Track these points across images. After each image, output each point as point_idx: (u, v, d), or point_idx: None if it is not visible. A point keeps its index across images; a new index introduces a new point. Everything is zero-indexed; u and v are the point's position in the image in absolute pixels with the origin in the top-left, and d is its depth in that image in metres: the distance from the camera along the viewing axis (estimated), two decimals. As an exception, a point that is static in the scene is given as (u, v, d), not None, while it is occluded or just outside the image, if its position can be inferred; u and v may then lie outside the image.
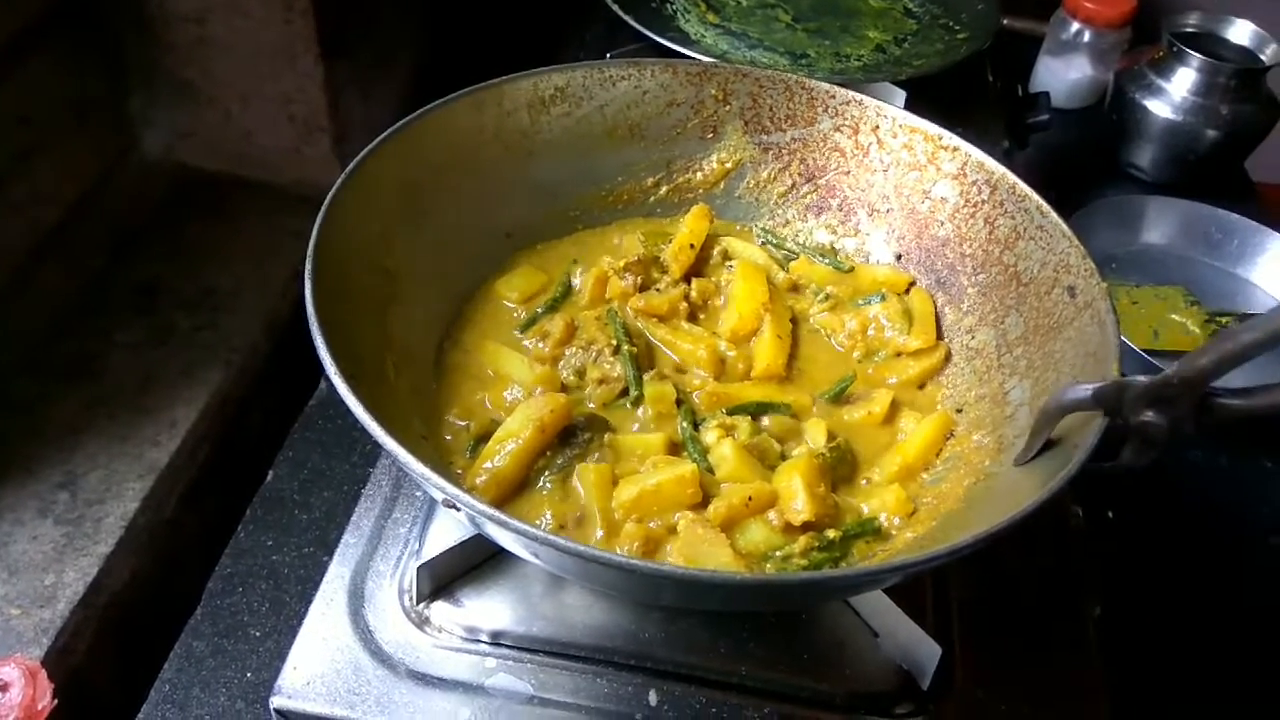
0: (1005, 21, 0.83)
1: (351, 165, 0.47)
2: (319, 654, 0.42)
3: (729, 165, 0.59)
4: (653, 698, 0.42)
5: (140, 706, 0.48)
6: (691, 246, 0.55)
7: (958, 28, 0.80)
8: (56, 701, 0.45)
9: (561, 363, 0.49)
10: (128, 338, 0.64)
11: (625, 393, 0.47)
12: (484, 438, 0.44)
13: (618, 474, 0.43)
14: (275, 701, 0.40)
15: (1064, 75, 0.94)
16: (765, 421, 0.48)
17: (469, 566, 0.45)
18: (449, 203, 0.52)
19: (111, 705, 0.51)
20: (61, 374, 0.61)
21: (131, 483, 0.56)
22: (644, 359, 0.49)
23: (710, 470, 0.44)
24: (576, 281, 0.54)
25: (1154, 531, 0.60)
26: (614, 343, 0.49)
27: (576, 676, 0.42)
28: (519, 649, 0.43)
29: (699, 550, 0.40)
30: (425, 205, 0.51)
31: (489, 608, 0.44)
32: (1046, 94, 0.82)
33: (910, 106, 0.71)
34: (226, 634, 0.52)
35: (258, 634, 0.52)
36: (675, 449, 0.45)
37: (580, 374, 0.48)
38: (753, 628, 0.44)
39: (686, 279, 0.55)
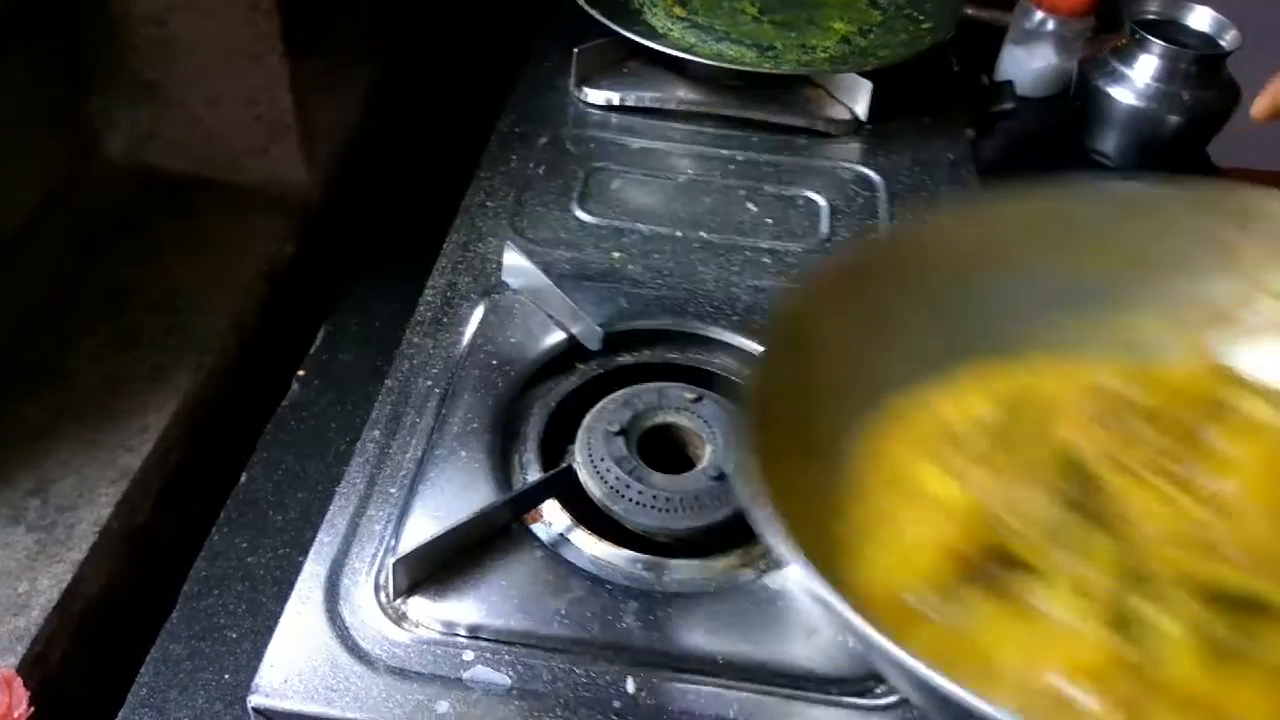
0: (969, 11, 0.84)
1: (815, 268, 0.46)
2: (296, 652, 0.42)
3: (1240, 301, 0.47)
4: (630, 685, 0.42)
5: (117, 711, 0.48)
6: (1182, 394, 0.45)
7: (922, 18, 0.80)
8: (33, 709, 0.44)
9: (991, 492, 0.42)
10: (95, 342, 0.63)
11: (1058, 538, 0.40)
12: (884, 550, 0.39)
13: (1025, 626, 0.38)
14: (253, 700, 0.40)
15: (1028, 64, 0.95)
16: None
17: (445, 561, 0.45)
18: (907, 304, 0.46)
19: (88, 712, 0.51)
20: (29, 379, 0.60)
21: (104, 488, 0.56)
22: (1091, 506, 0.41)
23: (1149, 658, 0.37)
24: (1030, 412, 0.45)
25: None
26: (1060, 482, 0.41)
27: (554, 667, 0.42)
28: (497, 641, 0.43)
29: None
30: (879, 305, 0.45)
31: (466, 602, 0.44)
32: (1010, 83, 0.83)
33: (876, 97, 0.72)
34: (203, 636, 0.51)
35: (234, 635, 0.51)
36: (1107, 617, 0.38)
37: (1010, 508, 0.41)
38: (725, 612, 0.45)
39: (1173, 433, 0.44)
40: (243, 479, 0.59)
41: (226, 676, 0.50)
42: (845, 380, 0.44)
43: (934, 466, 0.43)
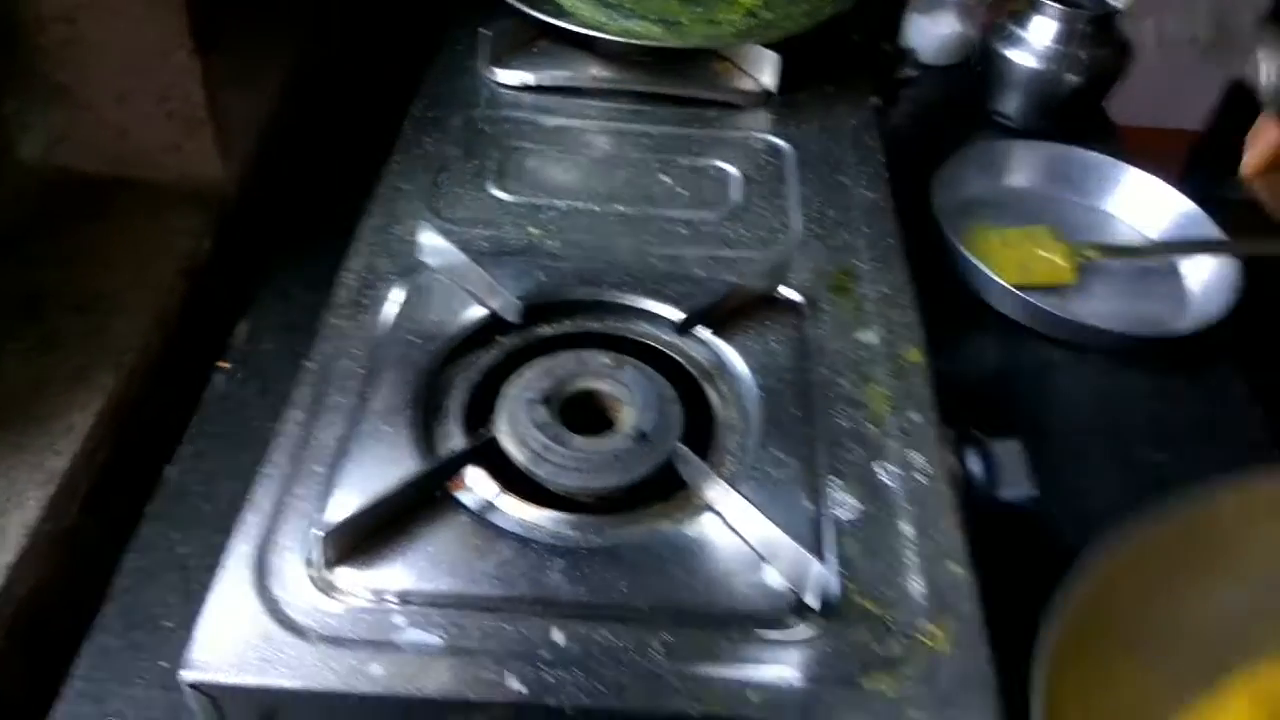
0: (871, -18, 0.87)
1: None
2: (227, 627, 0.43)
3: None
4: (558, 636, 0.44)
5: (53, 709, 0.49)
6: None
7: (825, -10, 0.83)
8: (-35, 707, 0.45)
9: None
10: (17, 345, 0.63)
11: None
12: None
13: None
14: (186, 675, 0.41)
15: (932, 32, 0.98)
16: None
17: (372, 532, 0.46)
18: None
19: (24, 711, 0.51)
20: (-52, 386, 0.60)
21: (32, 491, 0.56)
22: None
23: None
24: None
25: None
26: None
27: (484, 624, 0.44)
28: (427, 605, 0.44)
29: None
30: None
31: (395, 569, 0.45)
32: (912, 50, 0.86)
33: (783, 68, 0.74)
34: (138, 626, 0.52)
35: (170, 624, 0.52)
36: None
37: None
38: (647, 562, 0.46)
39: None
40: (171, 472, 0.60)
41: (164, 664, 0.50)
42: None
43: None
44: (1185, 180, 0.85)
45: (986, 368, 0.74)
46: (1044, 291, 0.77)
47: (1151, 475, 0.69)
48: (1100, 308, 0.78)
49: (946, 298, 0.78)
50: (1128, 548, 0.43)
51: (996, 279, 0.76)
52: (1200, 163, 1.12)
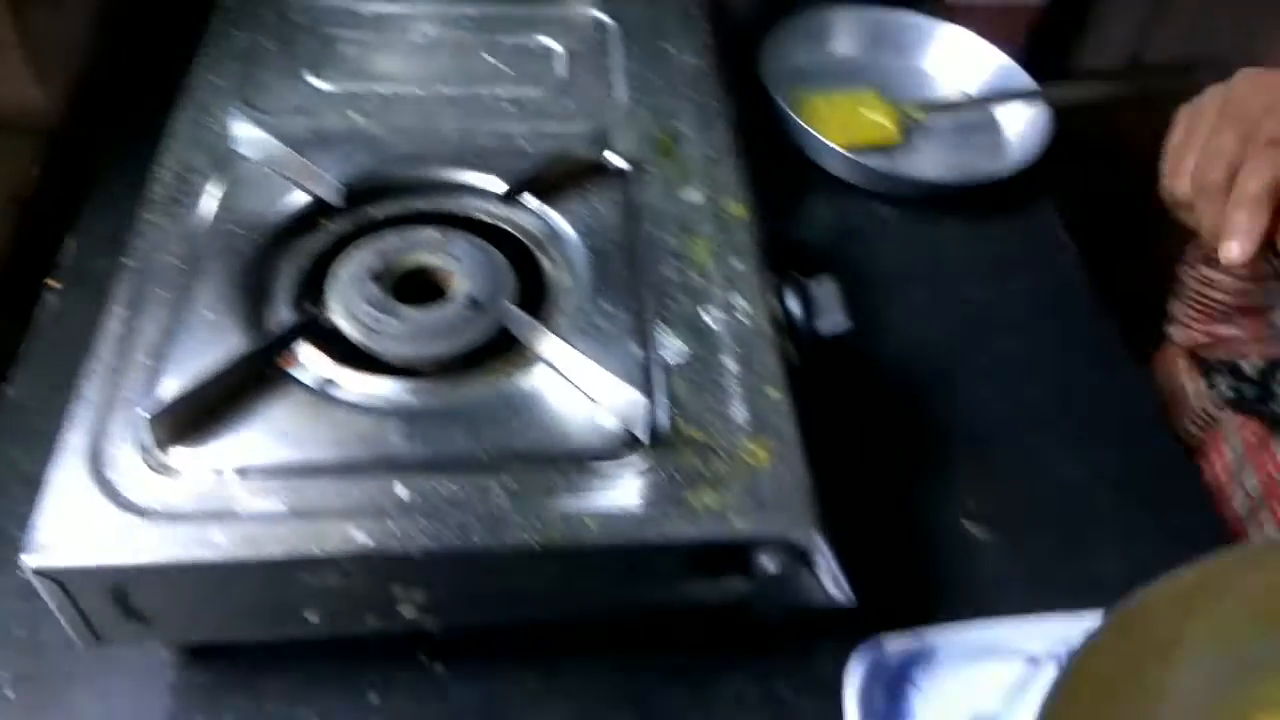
0: None
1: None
2: (66, 515, 0.43)
3: None
4: (401, 492, 0.46)
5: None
6: None
7: None
8: None
9: None
10: None
11: None
12: None
13: None
14: (29, 561, 0.42)
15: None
16: None
17: (206, 412, 0.46)
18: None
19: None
20: None
21: None
22: None
23: None
24: None
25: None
26: None
27: (326, 489, 0.45)
28: (267, 476, 0.45)
29: None
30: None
31: (233, 446, 0.46)
32: (734, -79, 0.87)
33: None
34: (-16, 540, 0.52)
35: (18, 533, 0.52)
36: None
37: None
38: (485, 416, 0.48)
39: None
40: (9, 391, 0.59)
41: (20, 576, 0.50)
42: None
43: None
44: (1028, 58, 0.89)
45: (818, 226, 0.78)
46: (871, 151, 0.81)
47: (971, 311, 0.74)
48: (925, 163, 0.83)
49: (779, 163, 0.81)
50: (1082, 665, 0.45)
51: (826, 142, 0.79)
52: (1041, 41, 1.17)
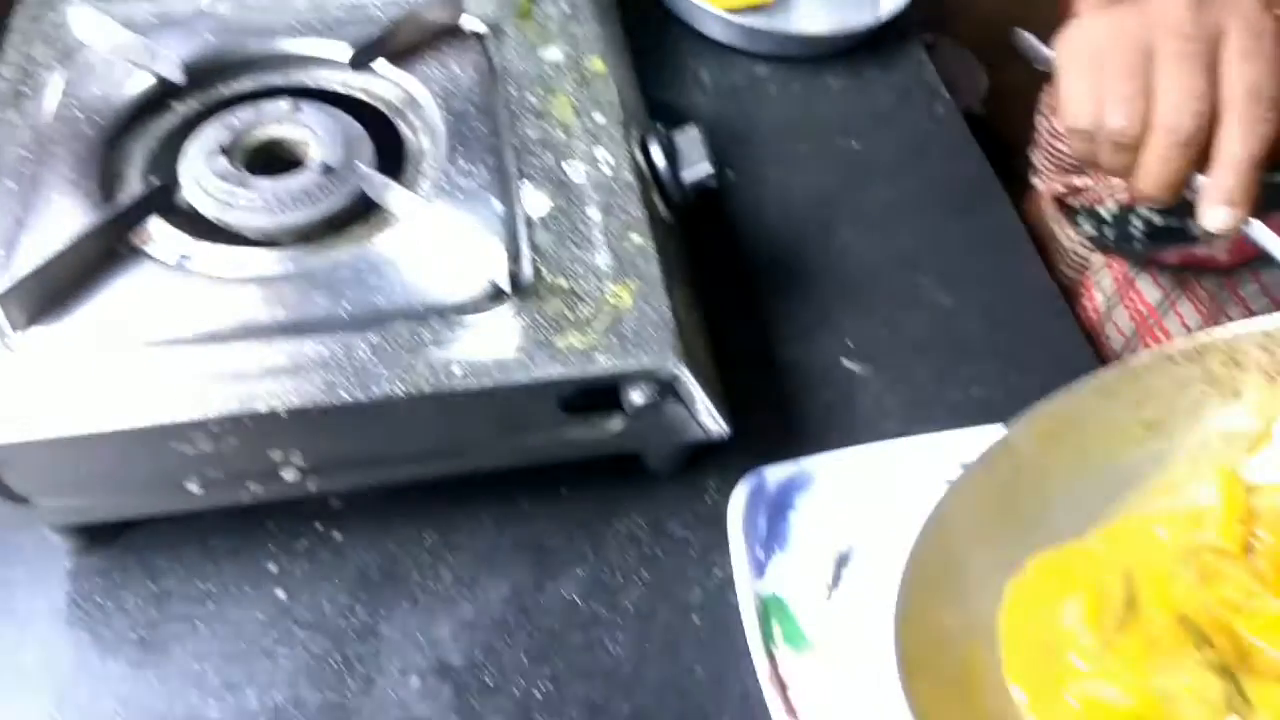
0: None
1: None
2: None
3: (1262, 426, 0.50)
4: (263, 355, 0.46)
5: None
6: (1242, 521, 0.48)
7: None
8: None
9: (1139, 683, 0.43)
10: None
11: (1232, 702, 0.42)
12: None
13: None
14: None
15: None
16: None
17: (61, 290, 0.46)
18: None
19: None
20: None
21: None
22: (1239, 664, 0.43)
23: None
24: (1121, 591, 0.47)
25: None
26: (1199, 654, 0.43)
27: (188, 358, 0.45)
28: (128, 349, 0.45)
29: None
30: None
31: (91, 324, 0.46)
32: None
33: None
34: None
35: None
36: None
37: (1170, 699, 0.42)
38: (346, 278, 0.49)
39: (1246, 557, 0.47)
40: None
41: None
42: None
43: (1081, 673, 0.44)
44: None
45: (699, 90, 0.78)
46: (747, 12, 0.81)
47: (849, 161, 0.75)
48: (799, 19, 0.83)
49: (657, 31, 0.81)
50: (954, 501, 0.47)
51: (702, 5, 0.78)
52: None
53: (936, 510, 0.46)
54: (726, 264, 0.67)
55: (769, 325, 0.66)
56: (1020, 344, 0.66)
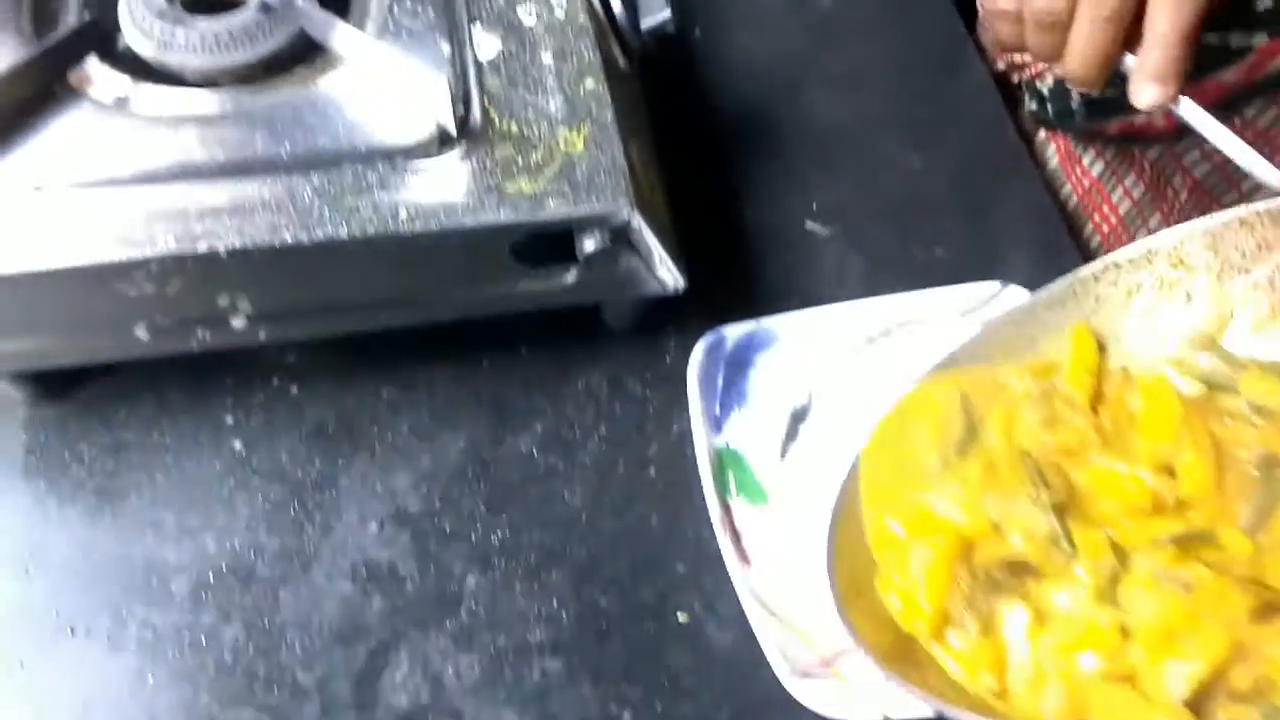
0: None
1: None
2: None
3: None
4: (204, 195, 0.45)
5: None
6: (1090, 373, 0.49)
7: None
8: None
9: (977, 507, 0.45)
10: None
11: (1057, 541, 0.44)
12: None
13: (1044, 623, 0.42)
14: None
15: None
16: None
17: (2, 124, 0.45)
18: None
19: None
20: None
21: None
22: (1069, 504, 0.45)
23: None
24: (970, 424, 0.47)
25: None
26: (1033, 490, 0.44)
27: (127, 198, 0.45)
28: (67, 189, 0.44)
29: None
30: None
31: (27, 162, 0.45)
32: None
33: None
34: None
35: None
36: (1108, 597, 0.42)
37: (999, 527, 0.44)
38: (289, 119, 0.47)
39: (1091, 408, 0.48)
40: None
41: None
42: None
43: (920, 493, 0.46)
44: None
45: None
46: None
47: (819, 19, 0.73)
48: None
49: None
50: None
51: None
52: None
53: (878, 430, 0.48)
54: (691, 123, 0.66)
55: (733, 186, 0.64)
56: (986, 206, 0.65)
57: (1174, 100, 0.47)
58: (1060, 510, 0.44)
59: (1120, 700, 0.40)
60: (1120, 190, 0.71)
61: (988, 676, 0.42)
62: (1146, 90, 0.46)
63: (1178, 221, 0.64)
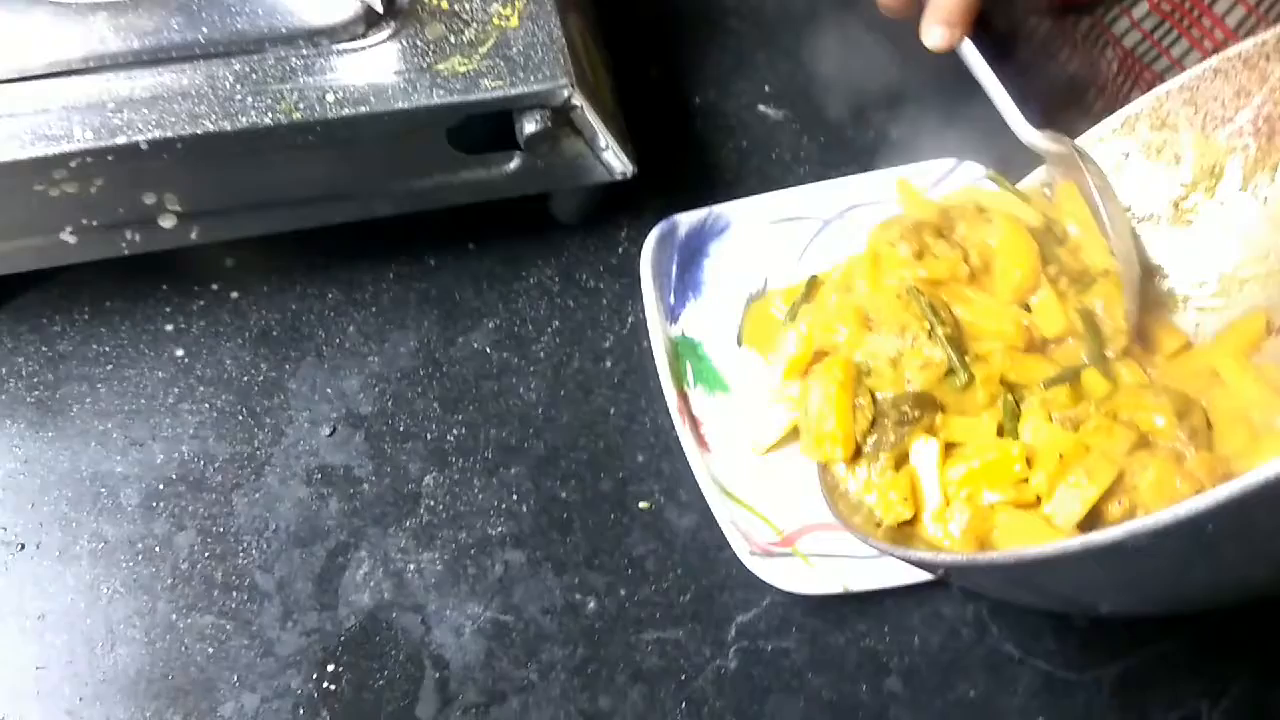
0: None
1: None
2: None
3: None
4: (121, 86, 0.43)
5: None
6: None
7: None
8: None
9: (871, 349, 0.47)
10: None
11: (950, 373, 0.46)
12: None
13: (949, 453, 0.45)
14: None
15: None
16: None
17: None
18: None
19: None
20: None
21: None
22: (959, 338, 0.47)
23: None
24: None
25: None
26: (927, 326, 0.46)
27: (39, 93, 0.42)
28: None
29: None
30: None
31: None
32: None
33: None
34: None
35: None
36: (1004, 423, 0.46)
37: (894, 362, 0.47)
38: (205, 3, 0.45)
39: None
40: None
41: None
42: None
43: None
44: None
45: None
46: None
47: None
48: None
49: None
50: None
51: None
52: None
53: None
54: (638, 6, 0.63)
55: (684, 70, 0.62)
56: (939, 84, 0.64)
57: (959, 42, 0.49)
58: (954, 343, 0.46)
59: (1022, 523, 0.43)
60: (1054, 64, 0.70)
61: (902, 506, 0.44)
62: (934, 32, 0.49)
63: (1113, 94, 0.64)
